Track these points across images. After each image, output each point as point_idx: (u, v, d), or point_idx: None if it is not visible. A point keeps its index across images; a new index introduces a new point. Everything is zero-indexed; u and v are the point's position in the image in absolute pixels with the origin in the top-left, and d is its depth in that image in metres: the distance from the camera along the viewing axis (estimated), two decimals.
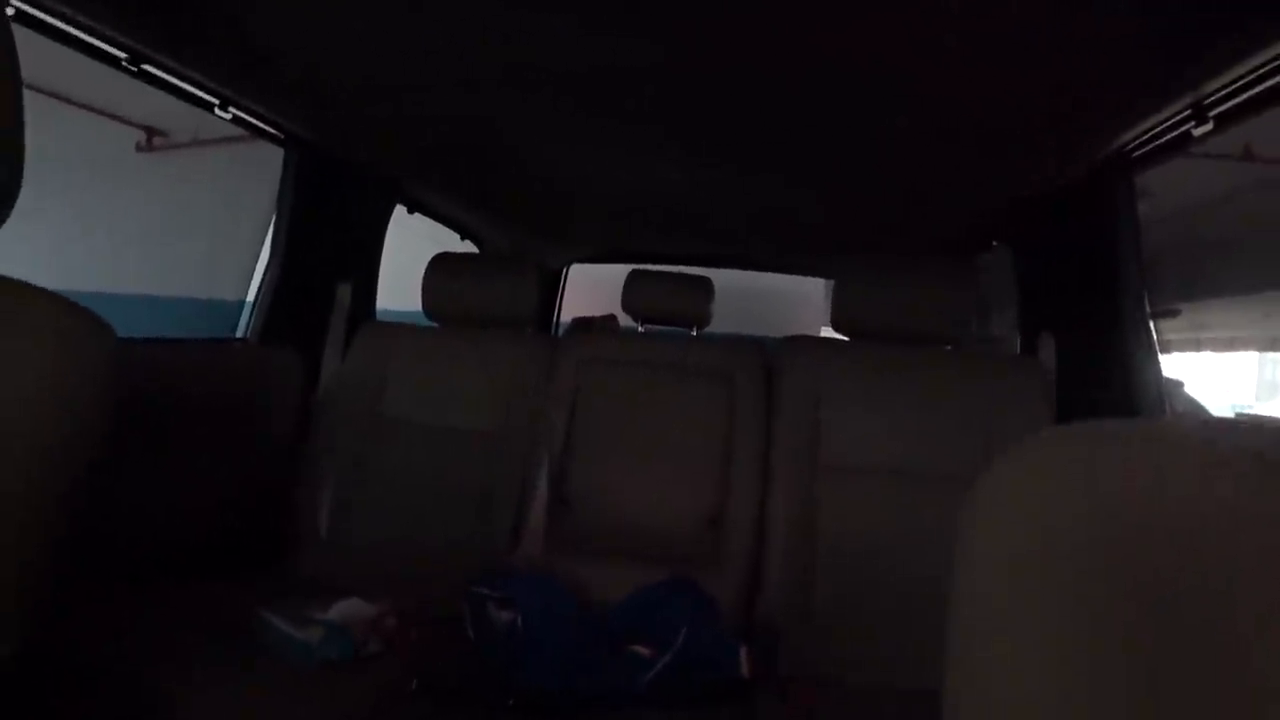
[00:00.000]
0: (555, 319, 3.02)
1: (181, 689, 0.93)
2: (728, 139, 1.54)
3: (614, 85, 1.28)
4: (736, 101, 1.33)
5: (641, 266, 1.78)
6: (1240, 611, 0.20)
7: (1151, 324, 1.36)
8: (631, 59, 1.18)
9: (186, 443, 1.33)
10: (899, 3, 0.93)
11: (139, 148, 3.06)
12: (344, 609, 1.09)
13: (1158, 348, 1.35)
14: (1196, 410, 2.06)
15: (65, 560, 0.58)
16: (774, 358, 1.50)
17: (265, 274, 1.68)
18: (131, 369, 0.61)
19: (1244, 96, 1.00)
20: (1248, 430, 0.25)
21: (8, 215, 0.58)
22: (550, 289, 2.91)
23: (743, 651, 1.16)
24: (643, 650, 1.17)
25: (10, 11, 1.00)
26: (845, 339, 1.51)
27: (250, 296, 1.71)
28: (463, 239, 2.50)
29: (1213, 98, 1.03)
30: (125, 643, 0.99)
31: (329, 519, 1.48)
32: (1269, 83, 0.95)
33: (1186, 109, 1.08)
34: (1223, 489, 0.23)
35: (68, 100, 2.52)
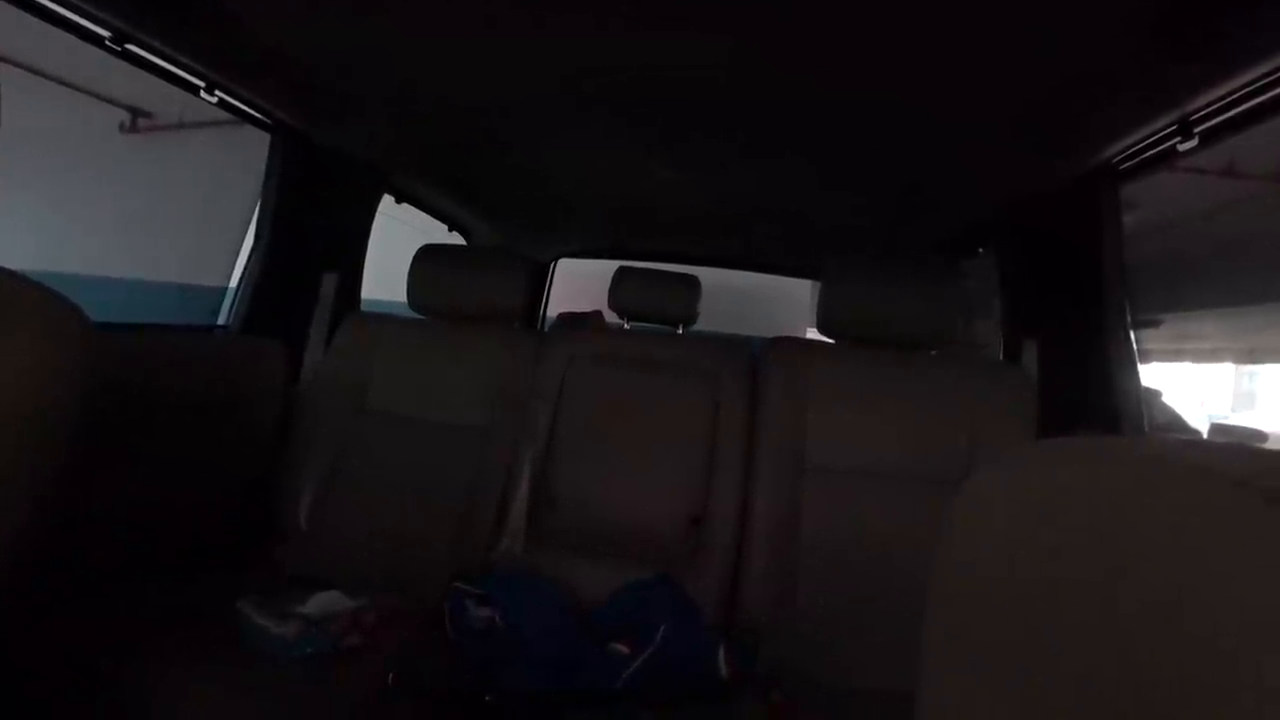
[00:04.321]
0: (542, 313, 3.01)
1: (158, 684, 0.93)
2: (718, 140, 1.53)
3: (607, 83, 1.28)
4: (728, 103, 1.32)
5: (629, 263, 1.78)
6: (1220, 627, 0.21)
7: (1133, 334, 1.37)
8: (625, 59, 1.17)
9: (165, 433, 1.31)
10: (891, 10, 0.94)
11: (123, 129, 3.00)
12: (322, 602, 1.08)
13: (1138, 357, 1.37)
14: (1175, 419, 2.09)
15: (41, 556, 0.57)
16: (759, 358, 1.50)
17: (249, 262, 1.65)
18: (109, 357, 0.59)
19: (1229, 114, 1.01)
20: (1229, 452, 0.25)
21: None
22: (537, 283, 2.90)
23: (722, 651, 1.16)
24: (621, 648, 1.17)
25: None
26: (830, 341, 1.51)
27: (233, 283, 1.69)
28: (450, 230, 2.48)
29: (1198, 114, 1.05)
30: (102, 637, 0.98)
31: (310, 512, 1.46)
32: (1253, 101, 0.97)
33: (1173, 124, 1.09)
34: (1203, 510, 0.23)
35: (50, 78, 2.47)
